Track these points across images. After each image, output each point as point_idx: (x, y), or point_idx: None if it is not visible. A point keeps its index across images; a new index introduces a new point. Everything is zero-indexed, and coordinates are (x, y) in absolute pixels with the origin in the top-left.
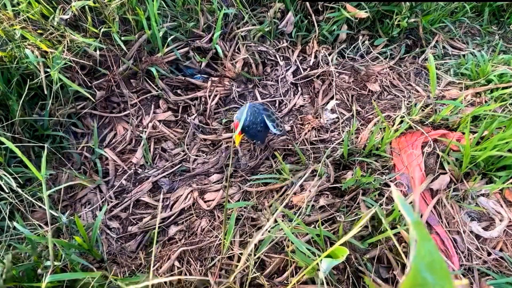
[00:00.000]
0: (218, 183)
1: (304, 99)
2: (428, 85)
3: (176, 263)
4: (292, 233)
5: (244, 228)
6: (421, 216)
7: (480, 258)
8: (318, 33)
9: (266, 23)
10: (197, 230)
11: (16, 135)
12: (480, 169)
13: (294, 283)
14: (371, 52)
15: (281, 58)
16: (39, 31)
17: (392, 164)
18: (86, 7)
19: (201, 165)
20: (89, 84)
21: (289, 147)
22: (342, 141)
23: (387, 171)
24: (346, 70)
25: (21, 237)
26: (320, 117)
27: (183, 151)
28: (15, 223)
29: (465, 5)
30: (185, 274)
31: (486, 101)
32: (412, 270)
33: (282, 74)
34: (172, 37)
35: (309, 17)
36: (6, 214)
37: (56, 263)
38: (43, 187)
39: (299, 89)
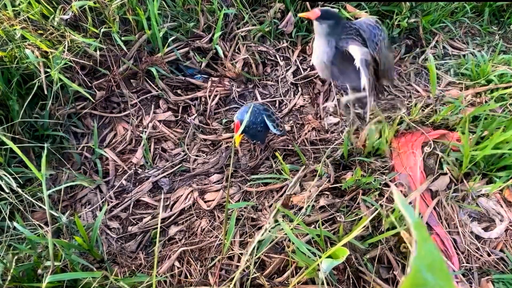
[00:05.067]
0: (218, 183)
1: (304, 99)
2: (428, 85)
3: (176, 263)
4: (293, 233)
5: (244, 228)
6: (421, 217)
7: (480, 259)
8: None
9: (266, 23)
10: (197, 230)
11: (16, 135)
12: (480, 169)
13: (295, 284)
14: None
15: (281, 58)
16: (39, 31)
17: (392, 164)
18: (87, 7)
19: (201, 165)
20: (89, 84)
21: (289, 147)
22: (342, 141)
23: (387, 171)
24: None
25: (21, 237)
26: (320, 118)
27: (183, 151)
28: (15, 223)
29: (465, 5)
30: (185, 274)
31: (486, 101)
32: (412, 270)
33: (282, 74)
34: (172, 37)
35: None
36: (6, 214)
37: (56, 263)
38: (43, 186)
39: (299, 89)
